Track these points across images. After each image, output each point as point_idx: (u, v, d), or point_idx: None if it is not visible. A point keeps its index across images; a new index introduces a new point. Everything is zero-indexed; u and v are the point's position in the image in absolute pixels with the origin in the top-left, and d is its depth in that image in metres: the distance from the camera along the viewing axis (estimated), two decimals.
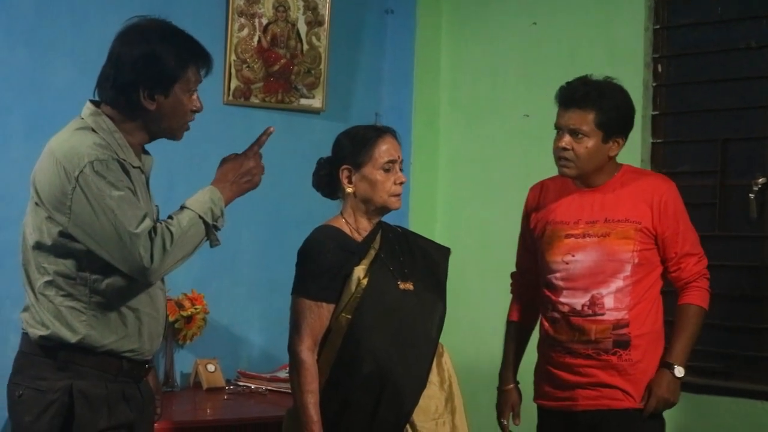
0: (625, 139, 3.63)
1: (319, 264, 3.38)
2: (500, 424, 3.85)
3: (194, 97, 3.08)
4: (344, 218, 3.48)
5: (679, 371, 3.52)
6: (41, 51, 4.36)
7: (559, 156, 3.59)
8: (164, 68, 2.99)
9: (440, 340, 3.53)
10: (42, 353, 2.96)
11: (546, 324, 3.65)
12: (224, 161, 3.15)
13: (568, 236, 3.61)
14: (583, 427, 3.57)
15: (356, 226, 3.46)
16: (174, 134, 3.11)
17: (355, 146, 3.44)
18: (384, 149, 3.42)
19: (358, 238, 3.45)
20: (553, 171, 4.88)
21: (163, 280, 3.12)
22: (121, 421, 3.00)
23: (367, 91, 5.30)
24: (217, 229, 3.01)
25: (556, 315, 3.61)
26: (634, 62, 4.62)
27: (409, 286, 3.45)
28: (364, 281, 3.37)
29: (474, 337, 5.11)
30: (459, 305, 5.00)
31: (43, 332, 2.94)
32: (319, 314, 3.35)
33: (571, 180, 3.66)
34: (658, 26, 4.69)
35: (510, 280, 3.95)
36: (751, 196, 4.32)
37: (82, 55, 4.34)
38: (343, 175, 3.44)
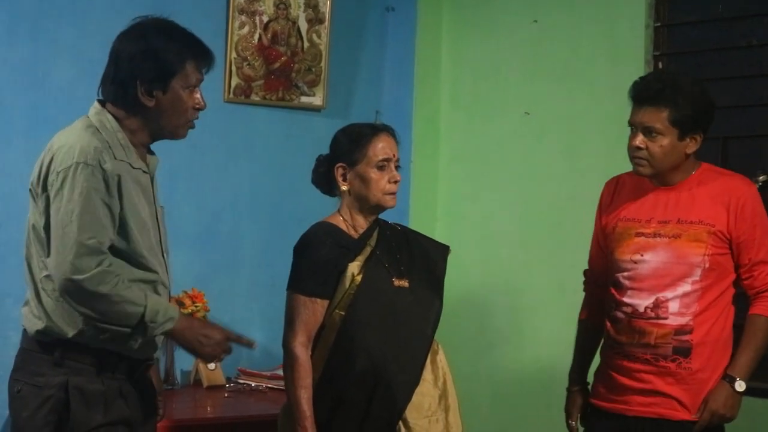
0: (704, 136, 3.50)
1: (314, 260, 3.38)
2: (569, 426, 3.73)
3: (196, 94, 3.07)
4: (341, 215, 3.48)
5: (740, 385, 3.41)
6: (43, 48, 4.36)
7: (634, 155, 3.46)
8: (161, 63, 3.00)
9: (439, 339, 3.53)
10: (40, 349, 2.98)
11: (608, 324, 3.55)
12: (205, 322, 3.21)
13: (638, 234, 3.49)
14: None
15: (353, 223, 3.47)
16: (175, 133, 3.10)
17: (350, 144, 3.45)
18: (379, 147, 3.42)
19: (355, 234, 3.45)
20: (552, 168, 4.91)
21: (167, 279, 3.15)
22: (118, 417, 3.01)
23: (367, 88, 5.29)
24: (145, 329, 2.94)
25: (619, 315, 3.50)
26: (635, 60, 4.61)
27: (405, 283, 3.45)
28: (358, 278, 3.38)
29: (474, 335, 5.11)
30: (459, 304, 5.01)
31: (39, 326, 2.97)
32: (314, 310, 3.36)
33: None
34: (658, 24, 4.69)
35: (583, 278, 3.83)
36: None
37: (83, 52, 4.34)
38: (338, 172, 3.45)
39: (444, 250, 3.61)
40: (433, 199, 5.36)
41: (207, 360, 3.21)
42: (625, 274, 3.51)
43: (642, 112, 3.43)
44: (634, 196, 3.58)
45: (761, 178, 4.31)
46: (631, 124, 3.48)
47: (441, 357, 3.52)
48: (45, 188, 2.95)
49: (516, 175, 5.07)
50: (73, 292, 2.86)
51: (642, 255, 3.48)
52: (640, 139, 3.44)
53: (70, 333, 2.94)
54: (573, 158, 4.82)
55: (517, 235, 5.05)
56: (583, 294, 3.81)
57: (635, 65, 4.58)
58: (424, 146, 5.31)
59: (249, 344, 3.18)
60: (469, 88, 5.29)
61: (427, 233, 3.82)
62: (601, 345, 3.67)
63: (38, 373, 2.97)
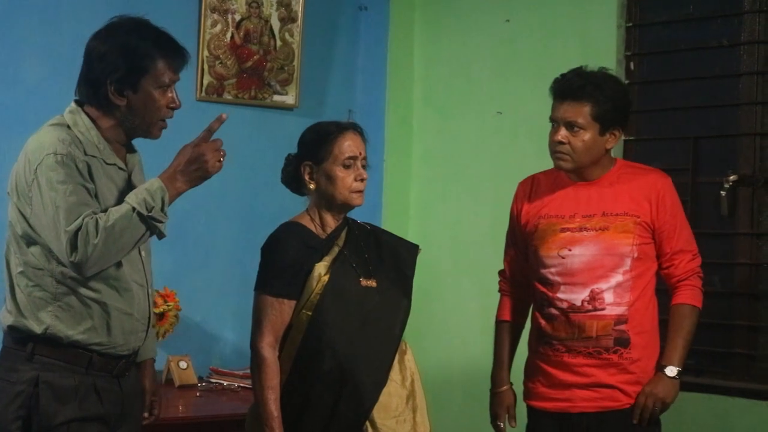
0: (622, 132, 3.58)
1: (281, 260, 3.37)
2: (496, 427, 3.75)
3: (169, 93, 3.07)
4: (309, 215, 3.47)
5: (671, 370, 3.46)
6: (12, 47, 4.33)
7: (555, 150, 3.52)
8: (130, 62, 2.99)
9: (410, 338, 3.52)
10: (14, 346, 3.00)
11: (542, 322, 3.57)
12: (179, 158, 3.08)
13: (563, 230, 3.54)
14: (578, 429, 3.51)
15: (321, 223, 3.45)
16: (148, 132, 3.10)
17: (316, 142, 3.43)
18: (345, 145, 3.40)
19: (323, 234, 3.43)
20: (525, 167, 4.91)
21: (146, 277, 3.15)
22: (92, 413, 3.02)
23: (340, 87, 5.29)
24: (154, 219, 2.95)
25: (554, 311, 3.53)
26: (607, 60, 4.61)
27: (372, 283, 3.43)
28: (325, 278, 3.36)
29: (446, 335, 5.12)
30: (431, 303, 5.02)
31: (10, 321, 3.00)
32: (281, 311, 3.35)
33: (564, 173, 3.59)
34: (630, 24, 4.71)
35: (498, 278, 3.86)
36: (723, 193, 4.34)
37: (53, 51, 4.32)
38: (305, 171, 3.43)
39: (414, 249, 3.60)
40: (406, 198, 5.36)
41: (217, 170, 3.07)
42: (553, 270, 3.54)
43: (564, 107, 3.50)
44: (553, 193, 3.63)
45: (732, 177, 4.33)
46: (552, 119, 3.55)
47: (409, 357, 3.51)
48: (18, 188, 2.97)
49: (488, 174, 5.08)
50: (84, 265, 2.87)
51: (570, 249, 3.52)
52: (562, 134, 3.50)
53: (38, 329, 2.96)
54: (545, 158, 4.78)
55: (489, 234, 5.05)
56: (503, 295, 3.83)
57: (607, 65, 4.49)
58: (397, 145, 5.31)
59: (219, 120, 3.09)
60: (442, 87, 5.30)
61: (399, 232, 3.81)
62: (529, 344, 3.69)
63: (12, 368, 2.99)
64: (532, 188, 3.71)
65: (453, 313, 5.15)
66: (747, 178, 4.35)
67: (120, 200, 3.02)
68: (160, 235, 3.02)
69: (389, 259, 3.51)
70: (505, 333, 3.79)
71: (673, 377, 3.47)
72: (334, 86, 5.27)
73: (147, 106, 3.04)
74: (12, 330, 3.00)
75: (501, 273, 3.85)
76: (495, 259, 4.99)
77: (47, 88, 4.23)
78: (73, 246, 2.85)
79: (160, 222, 2.97)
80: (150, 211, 2.94)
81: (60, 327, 2.96)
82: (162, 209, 2.97)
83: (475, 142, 5.15)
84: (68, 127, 3.00)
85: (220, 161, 3.07)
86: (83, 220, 2.86)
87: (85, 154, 2.97)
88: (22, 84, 4.33)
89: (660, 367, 3.49)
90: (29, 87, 4.32)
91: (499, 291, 3.84)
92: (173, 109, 3.09)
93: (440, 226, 5.24)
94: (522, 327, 3.77)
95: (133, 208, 2.92)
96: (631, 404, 3.48)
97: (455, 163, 5.23)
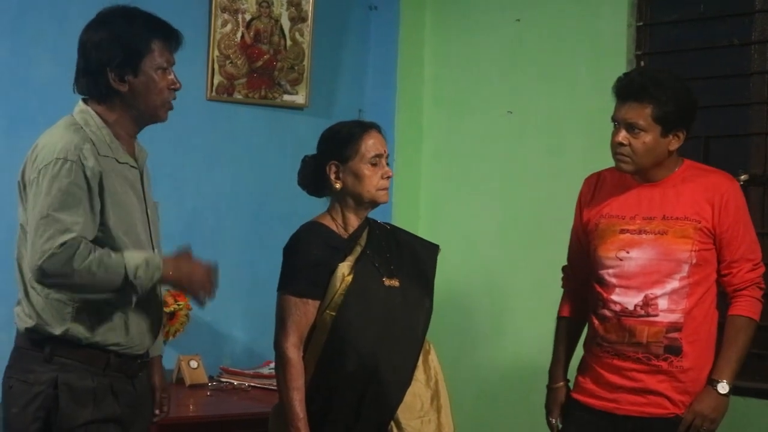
0: (687, 133, 3.48)
1: (304, 261, 3.37)
2: (549, 423, 3.70)
3: (169, 75, 3.07)
4: (331, 215, 3.47)
5: (723, 387, 3.39)
6: (23, 46, 4.34)
7: (616, 152, 3.44)
8: (127, 46, 3.01)
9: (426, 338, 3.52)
10: (31, 346, 3.00)
11: (596, 322, 3.51)
12: (189, 255, 3.14)
13: (623, 231, 3.47)
14: (621, 431, 3.47)
15: (343, 223, 3.46)
16: (156, 114, 3.10)
17: (341, 142, 3.44)
18: (371, 143, 3.42)
19: (345, 234, 3.45)
20: (535, 167, 4.92)
21: None
22: (108, 414, 3.02)
23: (350, 87, 5.29)
24: (134, 288, 2.94)
25: (607, 313, 3.47)
26: (617, 59, 4.62)
27: (395, 282, 3.44)
28: (349, 278, 3.37)
29: (457, 334, 5.11)
30: (441, 302, 4.99)
31: (29, 324, 2.99)
32: (305, 311, 3.35)
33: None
34: (641, 23, 4.70)
35: (562, 274, 3.81)
36: None
37: (64, 50, 4.28)
38: (331, 170, 3.44)
39: (433, 249, 3.61)
40: (416, 198, 5.36)
41: (197, 297, 3.13)
42: (611, 271, 3.48)
43: (625, 108, 3.42)
44: (617, 192, 3.56)
45: (743, 177, 4.32)
46: (614, 120, 3.47)
47: (433, 357, 3.51)
48: (26, 187, 2.96)
49: (498, 173, 5.08)
50: (41, 276, 2.86)
51: (628, 252, 3.46)
52: (622, 135, 3.42)
53: (58, 330, 2.95)
54: (555, 157, 4.83)
55: (499, 233, 5.05)
56: (565, 292, 3.78)
57: (617, 64, 4.58)
58: (407, 145, 5.31)
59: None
60: (452, 86, 5.30)
61: (409, 231, 3.81)
62: (584, 341, 3.65)
63: (28, 369, 2.99)
64: (596, 186, 3.63)
65: (463, 312, 5.14)
66: (758, 178, 4.34)
67: (135, 199, 3.03)
68: (134, 298, 2.99)
69: (410, 259, 3.52)
70: (562, 330, 3.74)
71: (725, 395, 3.40)
72: (344, 86, 5.27)
73: (149, 89, 3.04)
74: (30, 332, 2.99)
75: (564, 269, 3.79)
76: (505, 257, 5.02)
77: (57, 88, 4.21)
78: (51, 254, 2.82)
79: (135, 293, 2.97)
80: (135, 278, 2.93)
81: (80, 329, 2.96)
82: (148, 284, 2.98)
83: (485, 142, 5.15)
84: (80, 126, 3.00)
85: (205, 287, 3.11)
86: (74, 234, 2.85)
87: (99, 154, 2.97)
88: (33, 85, 4.34)
89: (711, 382, 3.42)
90: (40, 88, 4.32)
91: (562, 287, 3.79)
92: (175, 90, 3.10)
93: (450, 225, 5.23)
94: (582, 324, 3.68)
95: (125, 266, 2.92)
96: (678, 414, 3.42)
97: (465, 162, 5.22)
